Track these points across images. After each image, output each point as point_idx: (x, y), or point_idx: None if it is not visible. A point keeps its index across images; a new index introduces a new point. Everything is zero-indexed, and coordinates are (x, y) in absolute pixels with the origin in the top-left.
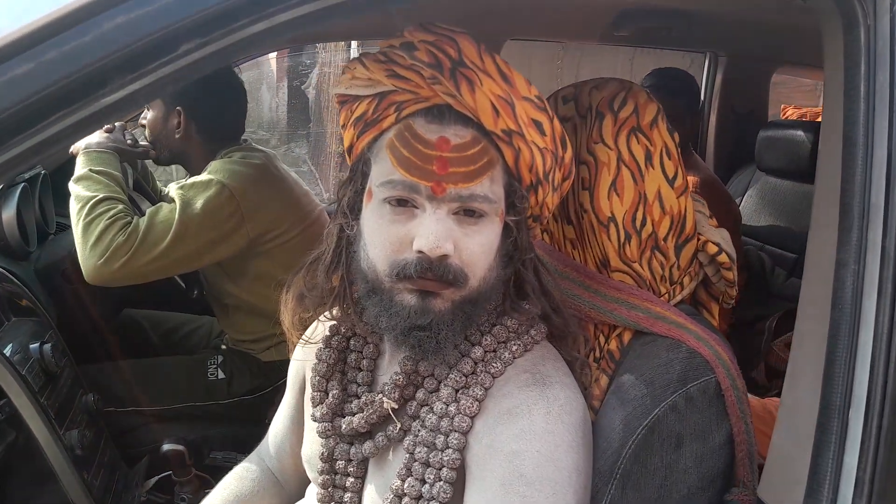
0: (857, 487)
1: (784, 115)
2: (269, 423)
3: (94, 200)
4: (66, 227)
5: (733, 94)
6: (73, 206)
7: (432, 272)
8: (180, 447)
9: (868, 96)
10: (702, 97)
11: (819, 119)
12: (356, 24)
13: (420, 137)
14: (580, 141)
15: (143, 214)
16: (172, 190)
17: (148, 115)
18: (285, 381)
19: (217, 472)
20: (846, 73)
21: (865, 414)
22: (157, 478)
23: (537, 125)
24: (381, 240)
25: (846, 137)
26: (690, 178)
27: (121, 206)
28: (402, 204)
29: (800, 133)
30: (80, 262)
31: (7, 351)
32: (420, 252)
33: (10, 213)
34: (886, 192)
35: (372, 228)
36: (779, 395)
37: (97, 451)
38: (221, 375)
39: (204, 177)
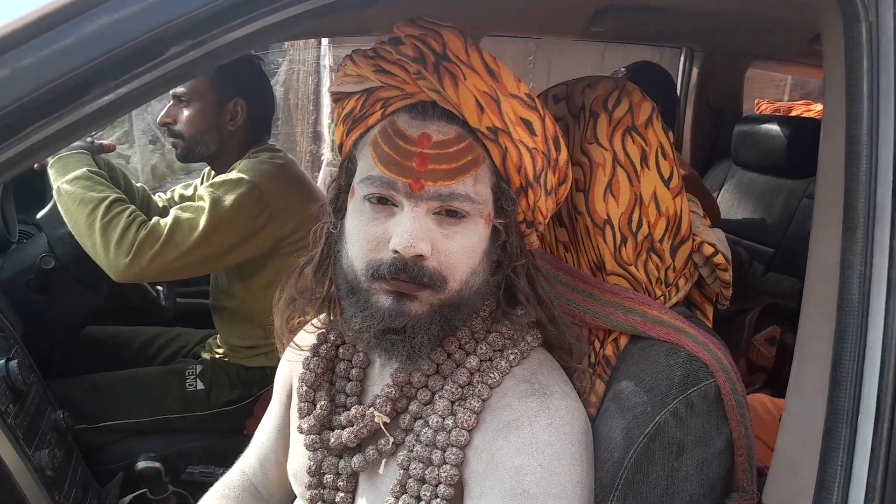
0: (868, 495)
1: (758, 109)
2: (248, 435)
3: (108, 201)
4: (29, 236)
5: (709, 89)
6: (80, 208)
7: (406, 273)
8: (156, 464)
9: (871, 94)
10: (677, 92)
11: (792, 114)
12: (336, 22)
13: (402, 133)
14: (573, 141)
15: None
16: (198, 189)
17: (185, 111)
18: (266, 391)
19: (195, 487)
20: (847, 70)
21: (876, 419)
22: (131, 496)
23: (526, 124)
24: (360, 238)
25: (849, 136)
26: None
27: (132, 206)
28: (383, 202)
29: (774, 127)
30: (103, 262)
31: None
32: (395, 252)
33: None
34: (894, 192)
35: (352, 226)
36: (759, 390)
37: (68, 470)
38: (200, 386)
39: (234, 175)
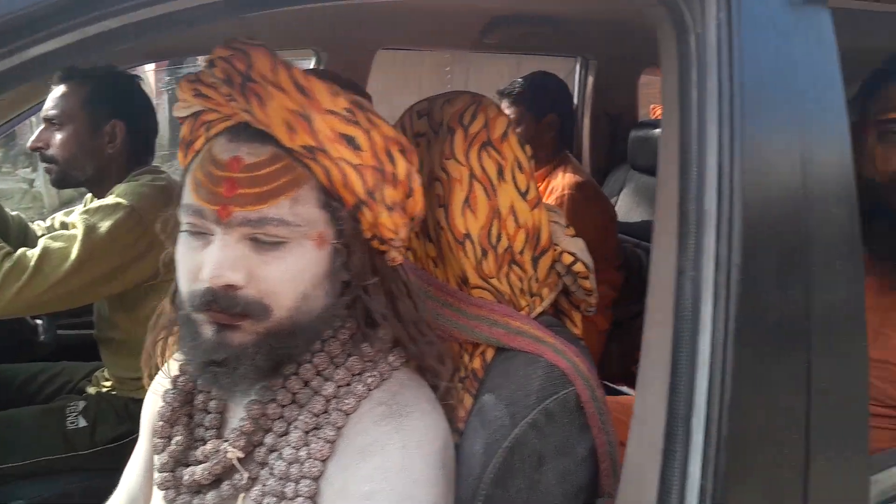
0: (702, 497)
1: (654, 114)
2: None
3: None
4: None
5: (604, 96)
6: None
7: (218, 304)
8: None
9: (700, 104)
10: (574, 101)
11: None
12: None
13: (214, 159)
14: (434, 157)
15: None
16: (75, 215)
17: (57, 135)
18: None
19: None
20: (680, 80)
21: (706, 422)
22: None
23: (347, 140)
24: (181, 269)
25: (682, 144)
26: (568, 180)
27: None
28: (200, 230)
29: None
30: None
31: None
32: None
33: None
34: (718, 199)
35: (177, 257)
36: None
37: None
38: (83, 423)
39: (111, 200)
